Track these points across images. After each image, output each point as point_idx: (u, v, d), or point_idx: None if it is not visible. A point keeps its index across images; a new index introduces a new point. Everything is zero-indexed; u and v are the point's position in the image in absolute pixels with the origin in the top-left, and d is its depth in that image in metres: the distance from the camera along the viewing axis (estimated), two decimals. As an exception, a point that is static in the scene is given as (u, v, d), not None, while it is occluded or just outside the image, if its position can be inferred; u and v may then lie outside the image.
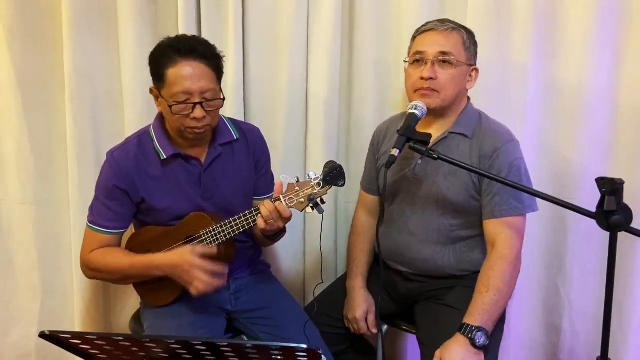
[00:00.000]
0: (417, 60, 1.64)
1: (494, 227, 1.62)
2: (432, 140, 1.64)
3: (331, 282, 1.99)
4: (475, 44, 1.68)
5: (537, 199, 1.63)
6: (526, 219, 1.64)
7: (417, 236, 1.72)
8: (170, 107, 1.51)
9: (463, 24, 1.69)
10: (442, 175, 1.66)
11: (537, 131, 1.95)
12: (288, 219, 1.53)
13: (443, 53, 1.60)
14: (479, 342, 1.48)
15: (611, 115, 1.88)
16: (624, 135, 1.88)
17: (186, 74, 1.49)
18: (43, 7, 2.00)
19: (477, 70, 1.69)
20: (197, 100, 1.51)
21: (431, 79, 1.60)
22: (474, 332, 1.49)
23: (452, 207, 1.67)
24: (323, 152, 2.06)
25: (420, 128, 1.65)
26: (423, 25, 1.68)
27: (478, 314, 1.52)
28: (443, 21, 1.65)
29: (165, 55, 1.51)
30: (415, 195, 1.71)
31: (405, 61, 1.70)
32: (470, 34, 1.67)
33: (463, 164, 1.49)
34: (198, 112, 1.52)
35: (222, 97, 1.58)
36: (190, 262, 1.53)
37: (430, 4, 1.94)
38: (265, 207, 1.50)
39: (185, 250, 1.55)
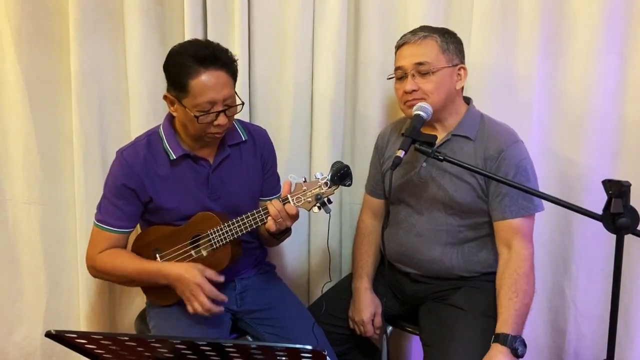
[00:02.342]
0: (400, 77, 1.66)
1: (507, 228, 1.61)
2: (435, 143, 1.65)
3: (336, 282, 1.99)
4: (455, 43, 1.66)
5: (543, 199, 1.64)
6: (535, 218, 1.64)
7: (425, 237, 1.71)
8: (196, 117, 1.51)
9: (444, 26, 1.70)
10: (447, 178, 1.66)
11: (544, 133, 1.94)
12: (295, 217, 1.55)
13: (419, 64, 1.61)
14: (520, 351, 1.47)
15: (618, 118, 1.88)
16: (630, 137, 1.87)
17: (210, 84, 1.50)
18: (50, 8, 2.00)
19: (464, 68, 1.67)
20: (220, 108, 1.53)
21: (414, 90, 1.61)
22: (516, 342, 1.48)
23: (459, 208, 1.67)
24: (328, 152, 2.06)
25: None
26: (399, 40, 1.69)
27: (514, 322, 1.51)
28: (415, 31, 1.65)
29: (186, 64, 1.50)
30: (422, 198, 1.71)
31: (389, 78, 1.72)
32: (446, 36, 1.65)
33: (468, 165, 1.49)
34: (222, 120, 1.54)
35: (240, 101, 1.60)
36: (196, 281, 1.55)
37: (436, 5, 1.94)
38: (274, 206, 1.52)
39: (195, 267, 1.57)
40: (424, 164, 1.69)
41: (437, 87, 1.61)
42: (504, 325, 1.51)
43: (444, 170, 1.67)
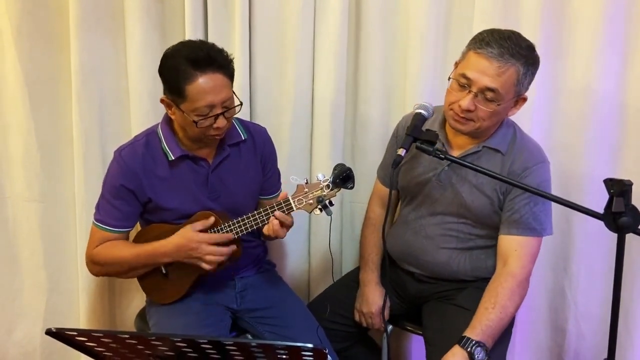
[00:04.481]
0: (461, 85, 1.50)
1: (508, 244, 1.60)
2: (463, 151, 1.62)
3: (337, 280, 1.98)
4: (533, 74, 1.52)
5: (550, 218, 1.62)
6: (541, 242, 1.62)
7: (434, 240, 1.70)
8: (195, 122, 1.50)
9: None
10: (467, 186, 1.63)
11: (544, 132, 1.94)
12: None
13: (489, 89, 1.46)
14: (477, 357, 1.47)
15: (619, 117, 1.88)
16: (631, 137, 1.87)
17: (208, 88, 1.48)
18: (50, 7, 2.00)
19: (524, 99, 1.56)
20: (219, 111, 1.51)
21: (469, 111, 1.50)
22: (474, 347, 1.47)
23: (474, 218, 1.65)
24: (329, 152, 2.06)
25: (453, 138, 1.64)
26: (481, 42, 1.46)
27: (481, 329, 1.51)
28: (503, 50, 1.44)
29: (182, 69, 1.47)
30: (437, 201, 1.68)
31: (449, 78, 1.55)
32: (529, 67, 1.48)
33: (473, 166, 1.47)
34: (222, 122, 1.53)
35: (239, 102, 1.58)
36: (195, 238, 1.55)
37: (437, 5, 1.93)
38: (277, 230, 1.55)
39: (185, 229, 1.57)
40: (446, 168, 1.65)
41: (492, 116, 1.51)
42: (471, 330, 1.51)
43: (464, 178, 1.63)
